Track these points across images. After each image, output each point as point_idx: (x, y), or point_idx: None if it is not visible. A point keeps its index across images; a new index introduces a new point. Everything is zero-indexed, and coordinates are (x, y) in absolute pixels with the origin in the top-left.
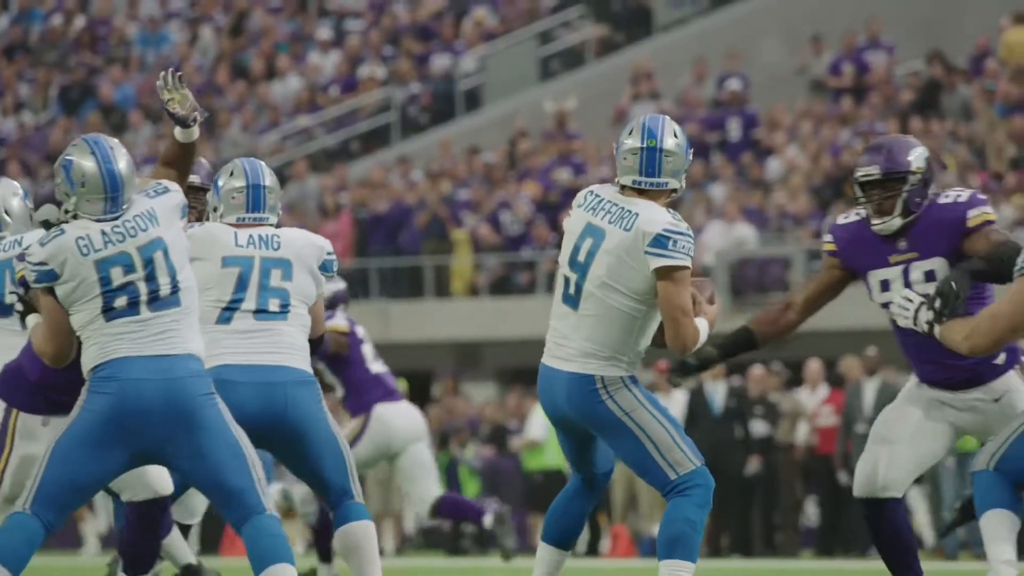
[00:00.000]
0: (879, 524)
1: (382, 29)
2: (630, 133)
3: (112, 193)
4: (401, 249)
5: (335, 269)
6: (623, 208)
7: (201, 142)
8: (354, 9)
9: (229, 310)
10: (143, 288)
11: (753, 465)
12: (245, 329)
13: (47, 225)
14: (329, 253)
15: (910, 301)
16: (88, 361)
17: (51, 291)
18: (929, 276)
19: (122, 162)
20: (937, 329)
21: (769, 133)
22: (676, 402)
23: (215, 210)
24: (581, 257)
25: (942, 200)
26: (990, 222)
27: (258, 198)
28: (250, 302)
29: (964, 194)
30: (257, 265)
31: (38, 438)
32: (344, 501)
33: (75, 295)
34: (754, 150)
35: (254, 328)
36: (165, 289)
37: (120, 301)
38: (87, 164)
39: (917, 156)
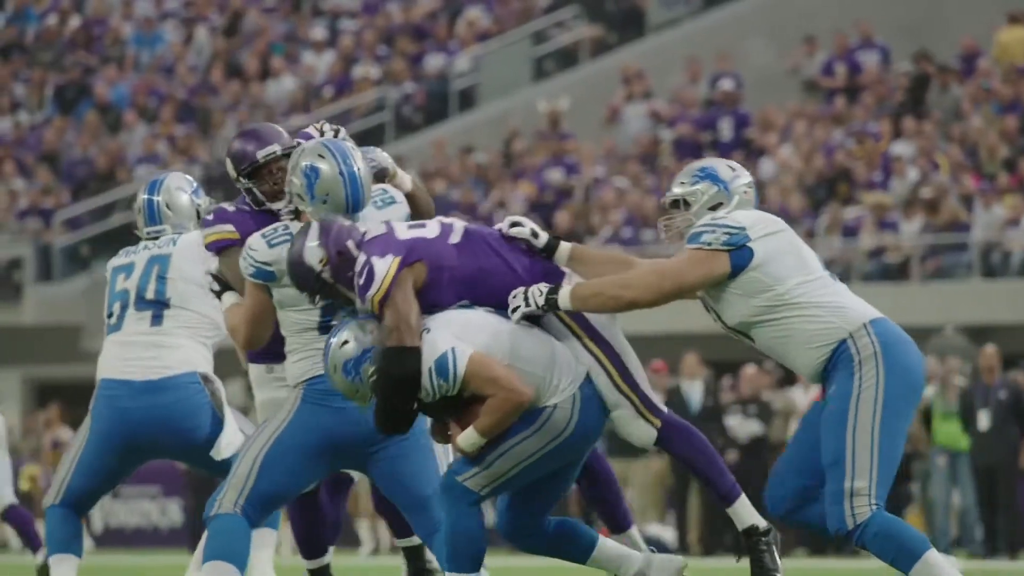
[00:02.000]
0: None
1: (376, 29)
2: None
3: (353, 206)
4: None
5: None
6: None
7: (195, 142)
8: (348, 9)
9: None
10: None
11: (731, 458)
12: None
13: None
14: None
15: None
16: (302, 371)
17: (265, 286)
18: None
19: (363, 171)
20: (565, 296)
21: (762, 133)
22: None
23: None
24: None
25: None
26: None
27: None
28: None
29: None
30: None
31: (264, 384)
32: None
33: (292, 300)
34: (747, 150)
35: None
36: None
37: (340, 317)
38: (336, 184)
39: None
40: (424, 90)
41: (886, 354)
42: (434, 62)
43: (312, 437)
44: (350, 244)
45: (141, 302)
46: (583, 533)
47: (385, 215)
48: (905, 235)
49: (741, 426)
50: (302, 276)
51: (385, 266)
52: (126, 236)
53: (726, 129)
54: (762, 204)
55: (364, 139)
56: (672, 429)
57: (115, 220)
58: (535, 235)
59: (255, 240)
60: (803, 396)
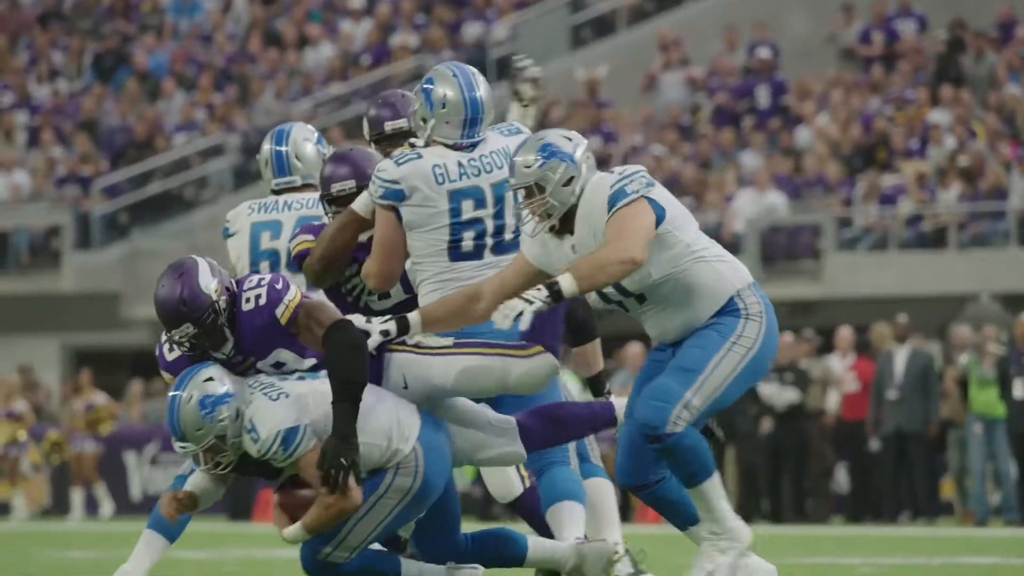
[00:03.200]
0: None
1: None
2: None
3: (472, 115)
4: None
5: None
6: None
7: (233, 110)
8: None
9: (494, 236)
10: (490, 226)
11: (766, 427)
12: None
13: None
14: None
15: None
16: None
17: (394, 210)
18: None
19: (482, 89)
20: (568, 281)
21: (799, 101)
22: None
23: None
24: None
25: None
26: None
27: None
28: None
29: None
30: None
31: None
32: None
33: (420, 220)
34: (784, 118)
35: None
36: (510, 232)
37: (468, 237)
38: (449, 86)
39: None
40: (462, 58)
41: (768, 316)
42: (472, 30)
43: None
44: (233, 285)
45: (294, 265)
46: (510, 539)
47: (512, 143)
48: (942, 203)
49: (777, 394)
50: (198, 307)
51: (291, 283)
52: (165, 203)
53: (763, 97)
54: (799, 172)
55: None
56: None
57: (153, 188)
58: (386, 334)
59: (384, 162)
60: (840, 363)
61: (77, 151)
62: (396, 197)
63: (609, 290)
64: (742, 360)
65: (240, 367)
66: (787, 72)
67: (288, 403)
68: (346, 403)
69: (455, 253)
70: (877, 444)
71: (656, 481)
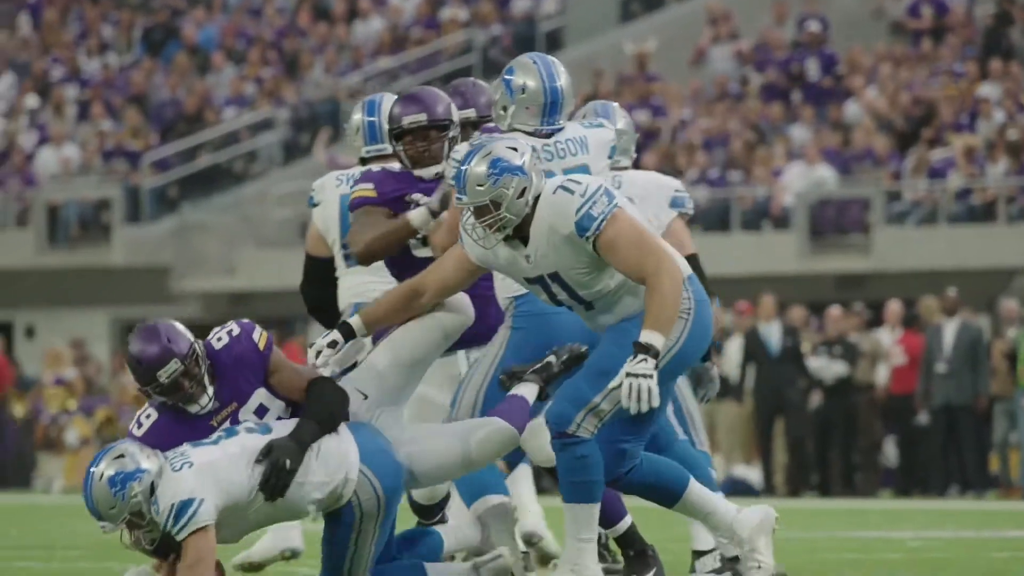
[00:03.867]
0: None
1: None
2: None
3: (551, 101)
4: None
5: (688, 206)
6: None
7: (282, 84)
8: None
9: None
10: None
11: (815, 400)
12: None
13: None
14: (678, 190)
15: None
16: (506, 287)
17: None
18: None
19: (563, 79)
20: (654, 337)
21: (848, 75)
22: (733, 345)
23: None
24: None
25: None
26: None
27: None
28: None
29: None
30: None
31: None
32: None
33: None
34: (833, 91)
35: None
36: None
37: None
38: (529, 75)
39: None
40: (511, 32)
41: (696, 313)
42: (521, 4)
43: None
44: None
45: (348, 210)
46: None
47: (590, 134)
48: (991, 177)
49: (826, 367)
50: (182, 342)
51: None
52: (214, 177)
53: (812, 71)
54: (848, 146)
55: (452, 80)
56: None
57: (203, 161)
58: (334, 344)
59: (459, 146)
60: (889, 336)
61: (127, 125)
62: None
63: (562, 296)
64: (662, 360)
65: (218, 417)
66: (836, 45)
67: (188, 473)
68: (316, 424)
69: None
70: (926, 417)
71: (626, 471)
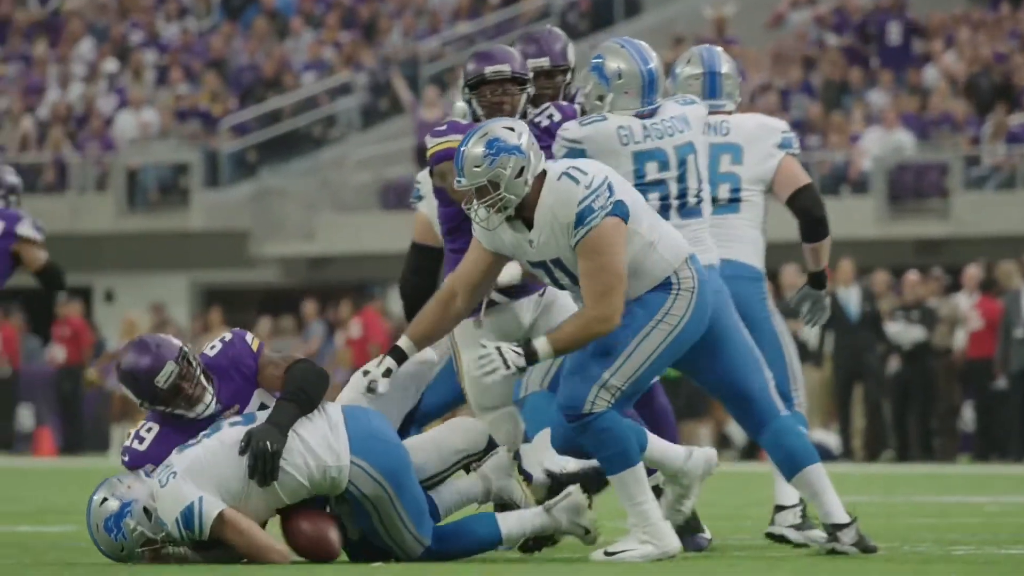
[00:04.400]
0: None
1: None
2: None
3: (649, 81)
4: None
5: (795, 146)
6: None
7: (360, 48)
8: None
9: (679, 198)
10: (674, 189)
11: (893, 365)
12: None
13: None
14: (785, 131)
15: (485, 348)
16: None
17: None
18: None
19: (653, 60)
20: (544, 345)
21: (928, 39)
22: None
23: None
24: None
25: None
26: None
27: (714, 84)
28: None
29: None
30: (704, 151)
31: (471, 344)
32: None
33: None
34: (912, 56)
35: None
36: (692, 195)
37: (652, 199)
38: (621, 59)
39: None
40: None
41: (700, 292)
42: None
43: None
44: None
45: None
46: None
47: (688, 111)
48: None
49: (904, 332)
50: (171, 346)
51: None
52: (293, 142)
53: (892, 34)
54: (926, 111)
55: None
56: None
57: (281, 126)
58: (388, 373)
59: (569, 123)
60: (967, 301)
61: (206, 89)
62: (578, 157)
63: (565, 281)
64: (668, 336)
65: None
66: (915, 10)
67: (175, 483)
68: (291, 403)
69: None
70: (1004, 382)
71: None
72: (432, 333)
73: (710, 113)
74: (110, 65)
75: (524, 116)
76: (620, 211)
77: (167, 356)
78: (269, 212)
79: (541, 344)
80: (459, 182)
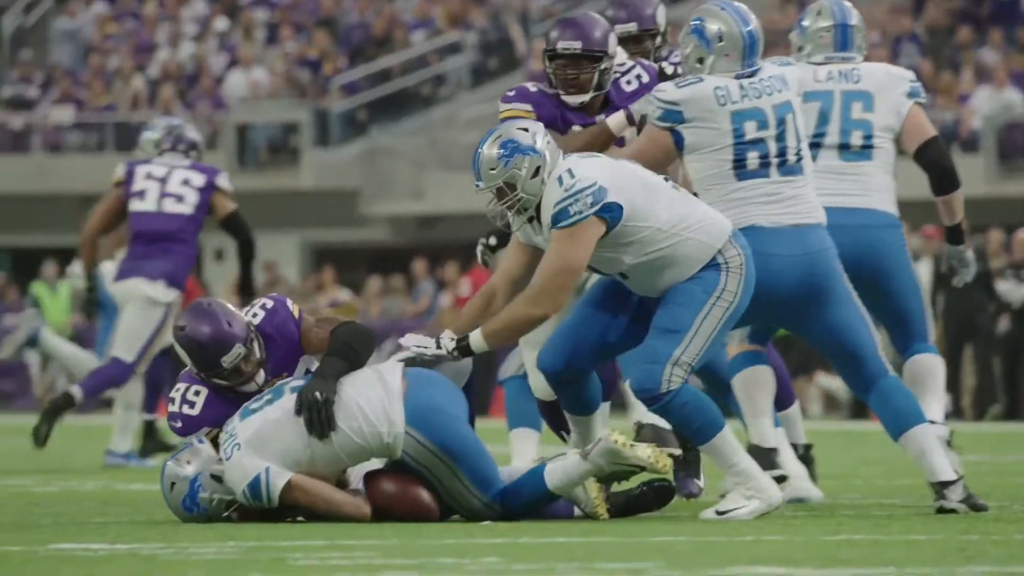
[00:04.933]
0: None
1: None
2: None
3: (750, 43)
4: None
5: (922, 95)
6: None
7: (470, 7)
8: None
9: (813, 146)
10: (773, 147)
11: (1003, 324)
12: (828, 168)
13: None
14: (912, 80)
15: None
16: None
17: (670, 131)
18: None
19: (753, 21)
20: (478, 340)
21: None
22: (922, 269)
23: (800, 49)
24: None
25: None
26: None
27: (845, 37)
28: (833, 136)
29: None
30: (838, 98)
31: None
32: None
33: (703, 141)
34: (1023, 14)
35: (839, 167)
36: (792, 153)
37: (752, 157)
38: (721, 21)
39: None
40: None
41: (747, 268)
42: None
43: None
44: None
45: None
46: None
47: (786, 72)
48: None
49: (1014, 290)
50: (241, 326)
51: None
52: (403, 101)
53: None
54: None
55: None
56: None
57: (391, 85)
58: (439, 345)
59: (663, 84)
60: None
61: (316, 47)
62: (675, 119)
63: (584, 273)
64: (726, 312)
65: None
66: None
67: (239, 456)
68: (338, 358)
69: (742, 172)
70: None
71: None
72: (473, 329)
73: (840, 61)
74: (220, 23)
75: (614, 81)
76: (607, 213)
77: (238, 336)
78: (379, 171)
79: (476, 339)
80: (477, 185)
